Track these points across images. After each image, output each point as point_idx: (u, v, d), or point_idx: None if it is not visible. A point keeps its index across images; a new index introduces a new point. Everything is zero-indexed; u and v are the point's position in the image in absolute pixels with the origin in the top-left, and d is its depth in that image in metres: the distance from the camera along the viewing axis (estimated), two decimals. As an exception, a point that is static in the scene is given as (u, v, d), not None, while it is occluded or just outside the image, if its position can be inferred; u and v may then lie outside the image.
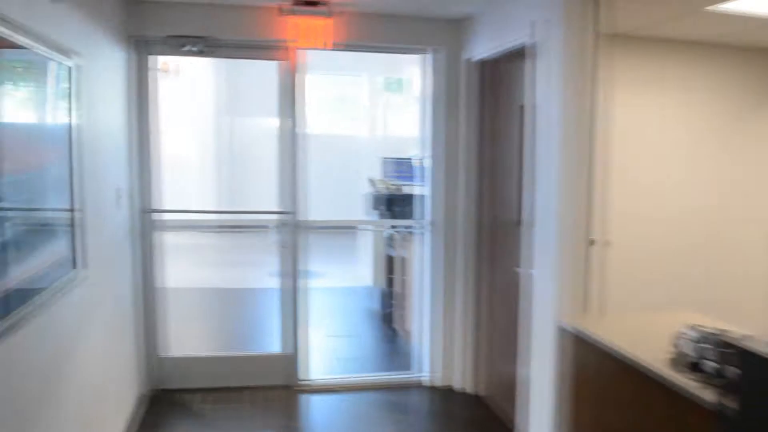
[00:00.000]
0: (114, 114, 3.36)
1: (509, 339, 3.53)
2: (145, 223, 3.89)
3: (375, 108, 11.17)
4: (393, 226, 5.32)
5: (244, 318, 6.15)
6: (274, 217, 4.08)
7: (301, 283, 4.11)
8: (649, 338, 2.43)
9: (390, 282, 5.91)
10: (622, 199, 3.22)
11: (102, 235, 2.99)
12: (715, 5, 2.69)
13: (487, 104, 4.00)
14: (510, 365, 3.55)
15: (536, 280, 3.09)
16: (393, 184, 6.43)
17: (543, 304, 3.03)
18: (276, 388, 4.16)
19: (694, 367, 2.03)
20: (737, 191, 3.72)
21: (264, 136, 10.67)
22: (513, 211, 3.64)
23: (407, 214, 5.71)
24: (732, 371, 1.78)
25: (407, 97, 11.76)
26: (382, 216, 6.02)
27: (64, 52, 2.37)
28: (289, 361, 4.19)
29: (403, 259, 5.38)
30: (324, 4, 3.66)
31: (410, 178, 6.66)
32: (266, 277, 6.92)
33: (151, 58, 3.91)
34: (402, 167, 6.66)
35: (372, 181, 6.35)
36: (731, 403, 1.76)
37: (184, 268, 7.47)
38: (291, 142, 4.07)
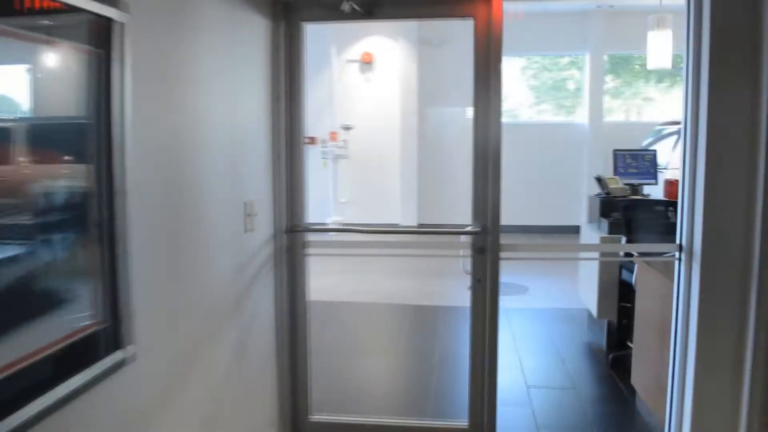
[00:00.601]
0: (250, 104, 2.48)
1: None
2: (295, 245, 2.95)
3: (596, 91, 9.44)
4: (638, 254, 3.71)
5: (416, 360, 4.95)
6: (463, 238, 2.92)
7: (493, 320, 2.87)
8: None
9: (624, 314, 4.40)
10: None
11: (209, 273, 2.11)
12: None
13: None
14: None
15: None
16: (627, 184, 4.89)
17: None
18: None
19: None
20: None
21: (457, 129, 9.70)
22: None
23: (650, 227, 4.15)
24: None
25: (633, 75, 9.81)
26: (613, 227, 4.54)
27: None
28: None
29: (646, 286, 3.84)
30: None
31: (649, 176, 5.05)
32: (453, 293, 5.82)
33: (303, 25, 2.92)
34: (639, 162, 5.06)
35: (601, 181, 4.87)
36: None
37: (335, 286, 6.64)
38: (485, 134, 2.81)
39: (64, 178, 1.49)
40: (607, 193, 4.84)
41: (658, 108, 9.92)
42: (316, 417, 3.10)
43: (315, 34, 9.80)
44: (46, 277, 1.40)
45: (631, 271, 4.03)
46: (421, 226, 9.63)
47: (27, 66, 1.39)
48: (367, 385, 4.27)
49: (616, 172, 5.05)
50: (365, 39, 9.56)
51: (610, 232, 4.54)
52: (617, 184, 4.89)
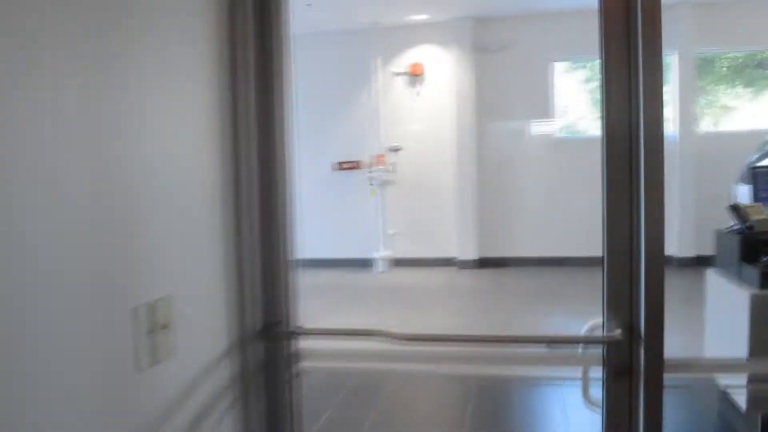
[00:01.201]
0: (166, 112, 1.32)
1: None
2: (277, 359, 1.63)
3: (686, 96, 7.96)
4: None
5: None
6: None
7: None
8: None
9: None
10: None
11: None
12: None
13: None
14: None
15: None
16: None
17: None
18: None
19: None
20: None
21: (523, 146, 8.32)
22: None
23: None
24: None
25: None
26: (765, 280, 3.17)
27: None
28: None
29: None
30: None
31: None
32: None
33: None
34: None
35: (739, 210, 3.49)
36: None
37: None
38: (628, 139, 1.53)
39: None
40: (749, 227, 3.46)
41: (738, 116, 8.36)
42: None
43: (355, 44, 8.80)
44: None
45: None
46: (482, 261, 8.30)
47: None
48: None
49: (756, 197, 3.67)
50: (413, 48, 8.42)
51: (763, 285, 3.17)
52: (762, 215, 3.50)
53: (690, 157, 7.92)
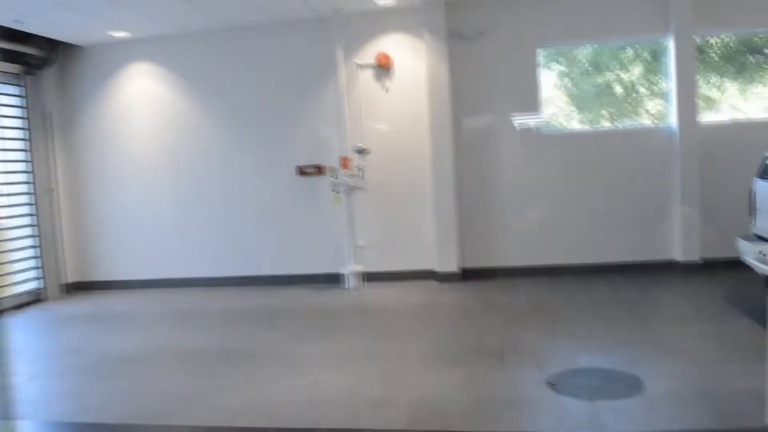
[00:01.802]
0: None
1: None
2: None
3: (685, 83, 7.10)
4: None
5: None
6: None
7: None
8: None
9: None
10: None
11: None
12: None
13: None
14: None
15: None
16: None
17: None
18: None
19: None
20: None
21: (505, 141, 7.34)
22: None
23: None
24: None
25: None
26: None
27: None
28: None
29: None
30: None
31: None
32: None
33: None
34: None
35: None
36: None
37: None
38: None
39: None
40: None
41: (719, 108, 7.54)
42: None
43: (315, 33, 7.83)
44: None
45: None
46: (465, 272, 7.37)
47: None
48: None
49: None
50: (380, 37, 7.51)
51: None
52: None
53: (693, 152, 7.06)
